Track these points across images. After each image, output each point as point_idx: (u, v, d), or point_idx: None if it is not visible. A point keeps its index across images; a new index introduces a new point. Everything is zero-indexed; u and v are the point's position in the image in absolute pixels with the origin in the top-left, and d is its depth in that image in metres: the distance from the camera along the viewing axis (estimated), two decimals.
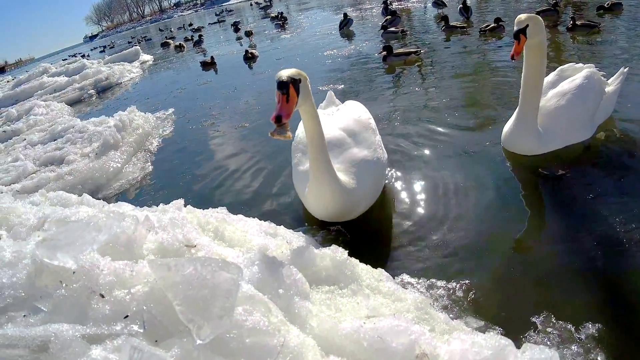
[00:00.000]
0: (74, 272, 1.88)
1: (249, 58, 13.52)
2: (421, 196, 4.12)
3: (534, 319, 2.54)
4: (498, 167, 4.41)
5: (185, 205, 3.44)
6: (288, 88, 2.85)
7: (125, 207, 3.25)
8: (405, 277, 3.06)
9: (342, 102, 4.86)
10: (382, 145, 4.14)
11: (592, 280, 2.90)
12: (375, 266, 2.86)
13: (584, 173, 4.10)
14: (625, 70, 4.88)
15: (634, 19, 9.92)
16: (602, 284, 2.87)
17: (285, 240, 3.02)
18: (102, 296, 1.81)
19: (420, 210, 3.91)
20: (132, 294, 1.82)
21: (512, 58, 3.96)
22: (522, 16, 3.94)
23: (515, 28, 3.91)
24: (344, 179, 3.50)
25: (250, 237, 3.00)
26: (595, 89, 4.55)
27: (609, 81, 4.88)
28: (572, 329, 2.45)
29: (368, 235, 3.70)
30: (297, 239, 3.27)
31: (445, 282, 2.97)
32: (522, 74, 4.20)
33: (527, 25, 3.88)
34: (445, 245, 3.42)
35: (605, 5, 10.92)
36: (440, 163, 4.61)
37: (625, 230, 3.22)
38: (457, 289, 2.91)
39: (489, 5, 15.76)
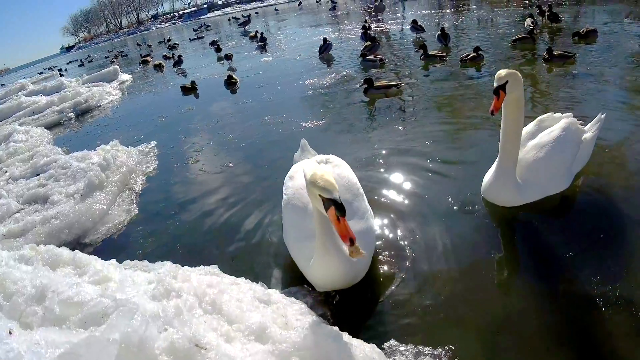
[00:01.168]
0: None
1: (231, 83, 13.56)
2: (404, 253, 4.20)
3: None
4: (480, 219, 4.56)
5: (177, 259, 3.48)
6: None
7: (129, 281, 3.30)
8: (393, 343, 3.18)
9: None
10: (370, 209, 4.24)
11: (572, 341, 3.06)
12: (361, 327, 3.01)
13: (563, 225, 4.30)
14: (603, 116, 5.05)
15: (608, 48, 10.27)
16: (580, 345, 3.03)
17: (280, 314, 3.11)
18: None
19: (403, 269, 3.99)
20: None
21: (492, 113, 4.10)
22: (502, 72, 4.09)
23: (495, 84, 4.06)
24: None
25: (247, 309, 3.09)
26: (573, 140, 4.72)
27: (586, 127, 5.04)
28: None
29: (355, 295, 3.77)
30: (291, 307, 3.35)
31: (431, 349, 3.10)
32: (501, 127, 4.35)
33: (507, 82, 4.03)
34: (429, 307, 3.54)
35: (580, 32, 11.27)
36: (424, 217, 4.72)
37: (603, 290, 3.39)
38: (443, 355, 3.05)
39: (465, 31, 16.06)
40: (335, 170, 4.33)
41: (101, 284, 3.40)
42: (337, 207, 2.89)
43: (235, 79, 13.65)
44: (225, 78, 13.83)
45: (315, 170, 3.09)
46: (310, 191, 3.12)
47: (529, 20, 13.52)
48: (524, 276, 3.79)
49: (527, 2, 21.88)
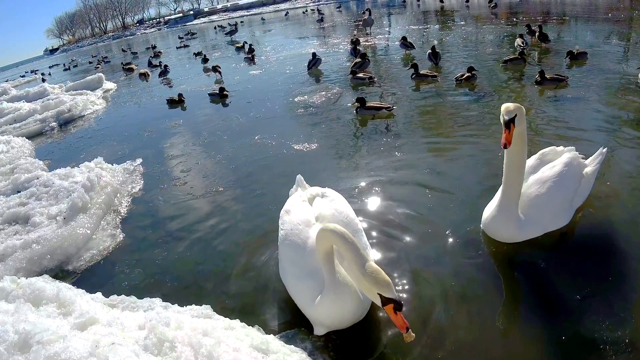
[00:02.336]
0: None
1: (223, 96, 13.35)
2: (402, 293, 4.07)
3: None
4: (480, 257, 4.47)
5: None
6: None
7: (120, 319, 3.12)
8: None
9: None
10: (368, 244, 4.17)
11: None
12: None
13: (564, 262, 4.22)
14: (604, 150, 5.04)
15: (598, 70, 10.40)
16: None
17: None
18: None
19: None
20: None
21: (505, 147, 4.02)
22: (510, 106, 4.01)
23: (506, 117, 3.97)
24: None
25: None
26: (575, 176, 4.70)
27: (587, 161, 5.02)
28: None
29: (354, 338, 3.65)
30: (291, 358, 3.23)
31: None
32: (504, 161, 4.27)
33: (516, 115, 3.95)
34: (429, 348, 3.45)
35: (574, 52, 11.40)
36: (422, 253, 4.61)
37: (601, 329, 3.35)
38: None
39: (453, 49, 16.14)
40: (332, 205, 4.30)
41: (88, 327, 3.24)
42: (396, 304, 2.97)
43: (227, 93, 13.45)
44: (217, 91, 13.61)
45: (374, 267, 3.09)
46: (363, 285, 3.14)
47: (519, 40, 13.64)
48: (527, 318, 3.68)
49: (514, 19, 22.12)
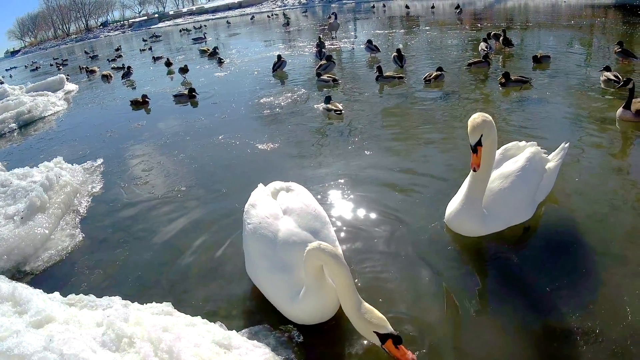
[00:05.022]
0: None
1: (192, 97, 13.22)
2: (367, 287, 4.11)
3: None
4: (446, 250, 4.57)
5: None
6: None
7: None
8: None
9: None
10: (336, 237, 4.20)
11: None
12: None
13: (530, 256, 4.35)
14: (566, 145, 5.21)
15: (560, 73, 10.94)
16: None
17: None
18: None
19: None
20: None
21: (474, 170, 4.14)
22: (477, 121, 4.06)
23: (471, 141, 4.06)
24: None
25: (206, 356, 2.94)
26: (538, 170, 4.83)
27: (550, 156, 5.16)
28: None
29: (316, 330, 3.68)
30: (254, 353, 3.22)
31: None
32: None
33: (482, 135, 4.02)
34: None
35: (538, 56, 11.85)
36: (388, 250, 4.67)
37: (571, 321, 3.47)
38: None
39: (418, 52, 16.37)
40: (299, 199, 4.33)
41: (44, 325, 3.17)
42: (394, 339, 3.05)
43: (196, 94, 13.30)
44: (185, 91, 13.47)
45: (366, 307, 3.18)
46: (359, 326, 3.20)
47: (483, 45, 13.95)
48: (497, 310, 3.77)
49: (478, 24, 22.53)
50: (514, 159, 4.92)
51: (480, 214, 4.52)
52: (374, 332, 3.07)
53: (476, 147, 4.06)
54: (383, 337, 3.06)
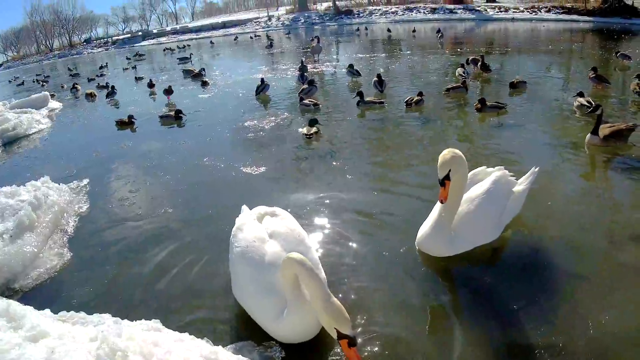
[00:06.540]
0: None
1: (178, 118, 13.42)
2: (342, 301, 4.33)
3: None
4: (417, 273, 4.84)
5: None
6: None
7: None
8: None
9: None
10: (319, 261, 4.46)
11: None
12: None
13: (498, 275, 4.69)
14: (536, 170, 5.49)
15: (537, 98, 11.45)
16: None
17: None
18: None
19: None
20: None
21: (442, 202, 4.46)
22: (447, 157, 4.40)
23: (439, 175, 4.38)
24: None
25: None
26: (503, 193, 5.12)
27: (520, 180, 5.45)
28: None
29: (298, 346, 3.91)
30: None
31: None
32: None
33: (450, 170, 4.32)
34: None
35: (514, 82, 12.33)
36: (365, 270, 4.97)
37: (536, 335, 3.78)
38: None
39: (398, 77, 16.75)
40: (284, 223, 4.57)
41: (39, 340, 3.33)
42: (350, 340, 3.19)
43: (183, 115, 13.49)
44: (171, 113, 13.64)
45: (335, 305, 3.30)
46: (323, 319, 3.34)
47: (460, 70, 14.42)
48: (467, 327, 4.03)
49: (458, 49, 23.09)
50: (480, 183, 5.24)
51: (449, 235, 4.84)
52: (335, 328, 3.23)
53: (443, 181, 4.38)
54: (341, 336, 3.20)
